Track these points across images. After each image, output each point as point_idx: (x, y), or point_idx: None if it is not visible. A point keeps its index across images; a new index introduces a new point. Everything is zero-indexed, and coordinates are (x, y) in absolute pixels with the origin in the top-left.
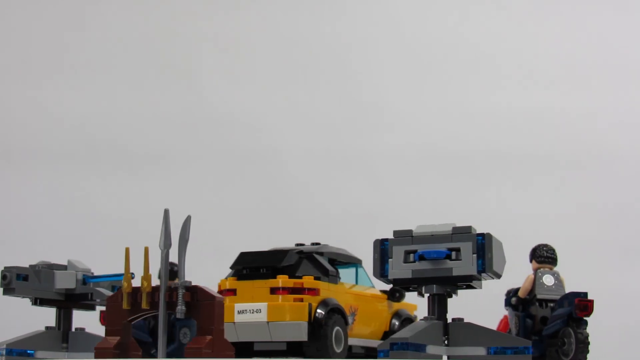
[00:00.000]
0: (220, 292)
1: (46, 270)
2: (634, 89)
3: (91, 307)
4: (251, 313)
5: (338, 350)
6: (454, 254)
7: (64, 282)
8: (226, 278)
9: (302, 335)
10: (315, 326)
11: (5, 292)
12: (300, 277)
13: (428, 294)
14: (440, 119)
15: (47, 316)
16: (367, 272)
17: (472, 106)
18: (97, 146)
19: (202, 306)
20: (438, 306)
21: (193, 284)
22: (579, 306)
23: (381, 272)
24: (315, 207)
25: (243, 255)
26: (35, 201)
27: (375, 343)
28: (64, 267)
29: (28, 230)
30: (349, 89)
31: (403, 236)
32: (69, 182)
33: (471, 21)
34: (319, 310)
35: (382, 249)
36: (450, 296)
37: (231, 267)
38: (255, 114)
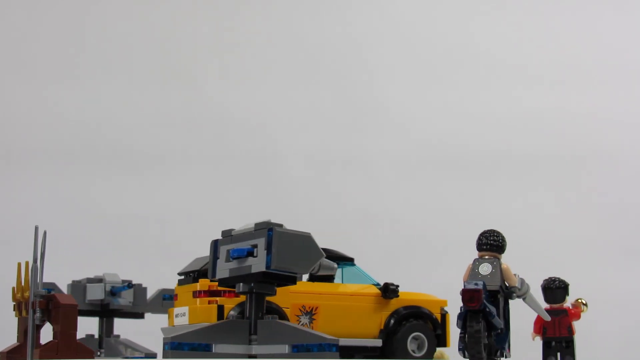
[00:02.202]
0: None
1: (76, 285)
2: (634, 89)
3: (136, 315)
4: (181, 317)
5: None
6: (255, 250)
7: (93, 294)
8: None
9: None
10: None
11: None
12: None
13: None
14: (440, 119)
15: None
16: (362, 270)
17: (472, 106)
18: (98, 146)
19: (54, 312)
20: (254, 305)
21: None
22: (463, 298)
23: (212, 273)
24: (315, 207)
25: (193, 261)
26: (35, 201)
27: (360, 342)
28: (99, 280)
29: (28, 230)
30: (350, 89)
31: (226, 236)
32: (69, 182)
33: (472, 22)
34: (231, 312)
35: (214, 249)
36: (272, 293)
37: (178, 273)
38: (256, 114)
